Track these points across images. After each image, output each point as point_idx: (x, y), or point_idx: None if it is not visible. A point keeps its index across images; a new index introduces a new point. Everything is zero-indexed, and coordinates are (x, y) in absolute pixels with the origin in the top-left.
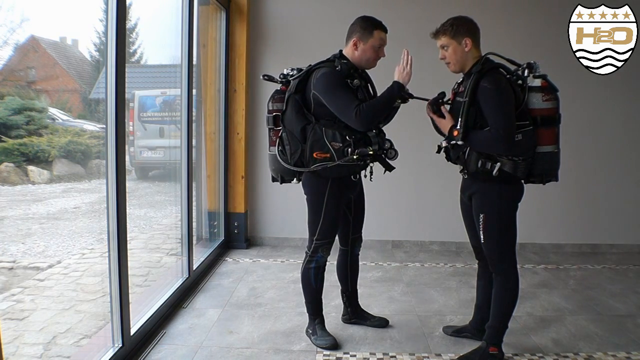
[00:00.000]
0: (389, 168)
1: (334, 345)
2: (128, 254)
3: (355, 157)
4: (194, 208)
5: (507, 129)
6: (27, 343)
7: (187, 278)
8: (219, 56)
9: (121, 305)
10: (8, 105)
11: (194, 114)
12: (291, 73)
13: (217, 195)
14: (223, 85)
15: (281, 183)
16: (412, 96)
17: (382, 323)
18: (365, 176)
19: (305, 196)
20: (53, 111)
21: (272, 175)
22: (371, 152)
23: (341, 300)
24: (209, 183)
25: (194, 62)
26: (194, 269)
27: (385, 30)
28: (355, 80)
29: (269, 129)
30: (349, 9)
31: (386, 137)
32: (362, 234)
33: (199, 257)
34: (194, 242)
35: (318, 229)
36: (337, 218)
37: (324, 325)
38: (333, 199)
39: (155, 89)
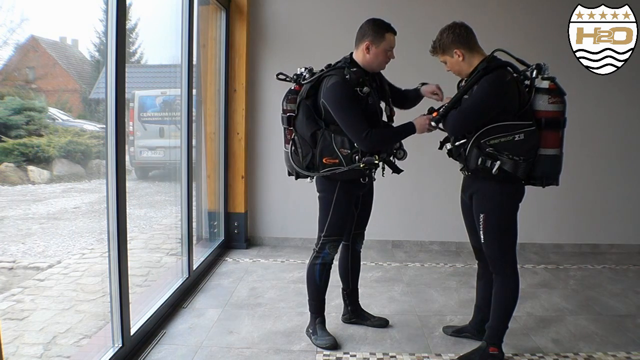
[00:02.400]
0: (396, 171)
1: (334, 345)
2: (128, 254)
3: (362, 165)
4: (194, 208)
5: (465, 113)
6: (27, 343)
7: (187, 278)
8: (219, 56)
9: (121, 305)
10: (8, 105)
11: (194, 114)
12: (305, 74)
13: (217, 195)
14: (223, 85)
15: (296, 179)
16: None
17: (382, 323)
18: (375, 179)
19: (317, 194)
20: (53, 111)
21: (287, 170)
22: (377, 162)
23: (341, 301)
24: (209, 183)
25: (194, 62)
26: (194, 269)
27: (395, 32)
28: (365, 88)
29: (284, 127)
30: (349, 9)
31: None
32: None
33: (199, 257)
34: (194, 242)
35: (326, 226)
36: (346, 216)
37: (325, 325)
38: (342, 198)
39: (155, 89)
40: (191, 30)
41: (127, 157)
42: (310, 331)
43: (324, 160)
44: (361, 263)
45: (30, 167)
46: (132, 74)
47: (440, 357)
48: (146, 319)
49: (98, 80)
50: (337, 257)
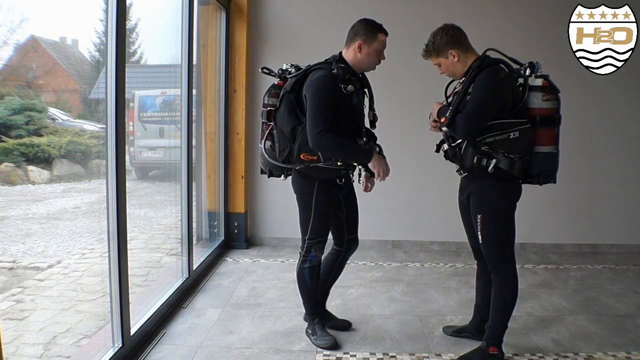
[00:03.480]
0: (372, 174)
1: (334, 345)
2: (128, 254)
3: (339, 163)
4: (194, 208)
5: (472, 115)
6: (27, 343)
7: (187, 278)
8: (219, 56)
9: (121, 305)
10: (8, 105)
11: (194, 114)
12: (290, 69)
13: (217, 195)
14: (223, 85)
15: (269, 177)
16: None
17: (345, 325)
18: (353, 180)
19: (295, 195)
20: (53, 111)
21: (260, 168)
22: (355, 163)
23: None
24: (209, 183)
25: (194, 62)
26: (194, 269)
27: (386, 33)
28: (350, 86)
29: (262, 122)
30: (349, 9)
31: (376, 141)
32: (363, 234)
33: (199, 257)
34: (194, 242)
35: (309, 229)
36: (328, 216)
37: (324, 325)
38: (322, 197)
39: (155, 89)
40: (191, 30)
41: (127, 157)
42: (310, 331)
43: (301, 156)
44: (361, 263)
45: (30, 167)
46: (132, 74)
47: (440, 357)
48: (146, 319)
49: (98, 80)
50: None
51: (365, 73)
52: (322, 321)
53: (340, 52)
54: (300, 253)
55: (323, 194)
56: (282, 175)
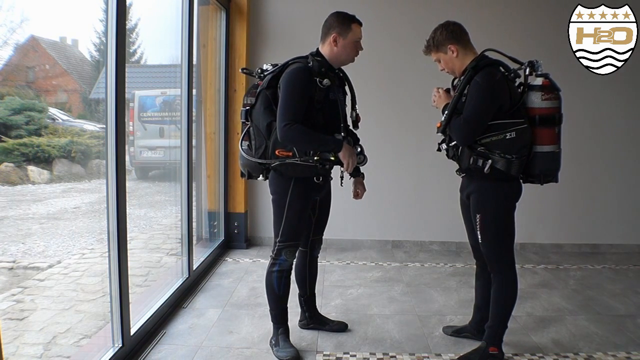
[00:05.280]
0: (354, 174)
1: (296, 358)
2: (128, 254)
3: (315, 158)
4: (194, 208)
5: (471, 121)
6: (27, 343)
7: (187, 278)
8: (219, 56)
9: (121, 305)
10: (8, 105)
11: (194, 114)
12: (269, 68)
13: (217, 195)
14: (223, 85)
15: (248, 179)
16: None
17: (341, 327)
18: (332, 178)
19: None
20: (53, 111)
21: (241, 171)
22: (332, 158)
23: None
24: (209, 183)
25: (194, 62)
26: (194, 269)
27: (360, 23)
28: (326, 80)
29: (242, 122)
30: (349, 9)
31: (359, 141)
32: (363, 234)
33: (199, 257)
34: (194, 242)
35: (280, 230)
36: (301, 220)
37: (288, 336)
38: (296, 199)
39: (155, 89)
40: (191, 30)
41: (127, 157)
42: (273, 342)
43: (276, 152)
44: (361, 263)
45: (30, 167)
46: (132, 74)
47: (440, 357)
48: (146, 319)
49: (98, 80)
50: (336, 259)
51: (362, 76)
52: (286, 331)
53: (317, 48)
54: (270, 255)
55: (298, 195)
56: (261, 176)
